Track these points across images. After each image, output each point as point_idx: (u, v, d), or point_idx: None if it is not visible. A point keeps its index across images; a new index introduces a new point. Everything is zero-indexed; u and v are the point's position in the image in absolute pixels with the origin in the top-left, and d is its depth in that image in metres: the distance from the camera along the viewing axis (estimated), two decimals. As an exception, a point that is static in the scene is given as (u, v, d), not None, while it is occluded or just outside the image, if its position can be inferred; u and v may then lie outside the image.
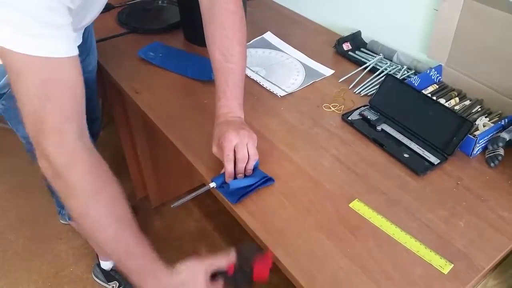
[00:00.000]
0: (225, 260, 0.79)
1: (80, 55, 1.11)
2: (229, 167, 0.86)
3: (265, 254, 0.78)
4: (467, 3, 1.01)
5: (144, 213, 1.85)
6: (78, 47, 1.07)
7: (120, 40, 1.41)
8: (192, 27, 1.37)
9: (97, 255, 1.56)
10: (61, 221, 1.81)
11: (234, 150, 0.86)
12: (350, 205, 0.85)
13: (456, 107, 1.05)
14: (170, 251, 1.72)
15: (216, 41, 0.93)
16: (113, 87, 1.31)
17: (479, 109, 1.05)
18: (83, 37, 1.10)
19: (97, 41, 1.28)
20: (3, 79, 0.93)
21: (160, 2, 1.60)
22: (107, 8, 1.56)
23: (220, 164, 0.90)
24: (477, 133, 0.95)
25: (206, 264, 0.79)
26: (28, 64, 0.61)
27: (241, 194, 0.86)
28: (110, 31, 1.44)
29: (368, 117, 1.04)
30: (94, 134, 1.43)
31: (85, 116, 0.71)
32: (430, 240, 0.78)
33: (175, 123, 1.07)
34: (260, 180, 0.88)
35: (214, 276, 0.80)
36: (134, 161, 1.72)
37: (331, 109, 1.10)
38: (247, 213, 0.84)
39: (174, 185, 1.83)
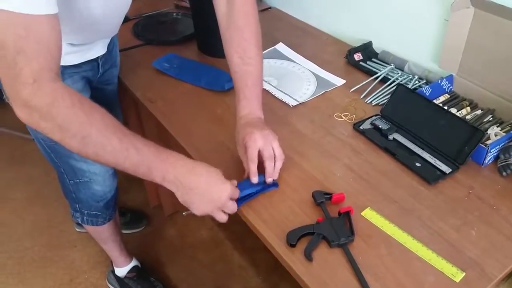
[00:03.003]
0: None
1: (103, 64, 1.15)
2: (253, 167, 0.87)
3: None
4: (477, 14, 1.02)
5: (158, 221, 1.87)
6: (103, 56, 1.12)
7: (135, 52, 1.45)
8: (205, 38, 1.40)
9: (111, 262, 1.59)
10: (76, 229, 1.84)
11: (259, 151, 0.88)
12: (362, 213, 0.86)
13: (468, 117, 1.06)
14: (184, 259, 1.74)
15: (234, 43, 0.95)
16: (128, 96, 1.34)
17: (491, 118, 1.05)
18: (108, 47, 1.13)
19: (115, 52, 1.31)
20: None
21: (174, 14, 1.64)
22: (123, 20, 1.60)
23: (231, 173, 0.91)
24: (488, 142, 0.95)
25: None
26: (4, 18, 0.63)
27: (244, 199, 0.88)
28: (126, 42, 1.48)
29: (380, 126, 1.05)
30: None
31: (59, 64, 0.72)
32: (441, 248, 0.78)
33: (188, 132, 1.09)
34: (265, 186, 0.90)
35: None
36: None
37: (342, 118, 1.12)
38: (260, 221, 0.86)
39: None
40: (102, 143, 0.73)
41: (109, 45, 1.14)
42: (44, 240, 1.84)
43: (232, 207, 0.85)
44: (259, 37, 0.97)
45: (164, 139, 1.12)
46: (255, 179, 0.88)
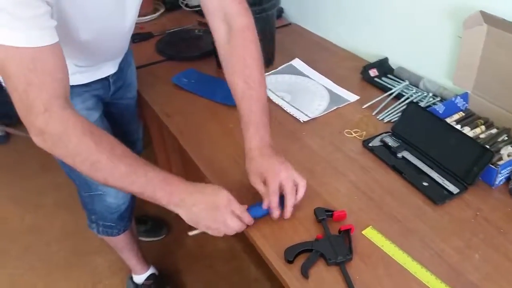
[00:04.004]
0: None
1: (115, 82, 1.19)
2: (275, 200, 0.86)
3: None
4: (490, 31, 1.00)
5: (178, 230, 1.91)
6: (114, 74, 1.16)
7: (157, 67, 1.50)
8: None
9: (130, 269, 1.63)
10: (99, 235, 1.90)
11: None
12: (363, 232, 0.86)
13: (482, 136, 1.03)
14: (201, 268, 1.76)
15: (236, 71, 0.94)
16: (150, 111, 1.39)
17: (506, 138, 1.02)
18: (120, 65, 1.18)
19: (136, 68, 1.36)
20: None
21: (197, 31, 1.68)
22: (147, 37, 1.67)
23: (242, 190, 0.93)
24: (500, 163, 0.92)
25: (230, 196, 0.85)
26: (12, 54, 0.68)
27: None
28: (148, 58, 1.53)
29: (389, 143, 1.04)
30: (136, 153, 1.52)
31: (69, 88, 0.77)
32: (441, 271, 0.77)
33: (202, 147, 1.12)
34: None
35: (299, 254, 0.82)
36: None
37: (352, 135, 1.12)
38: (260, 235, 0.87)
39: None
40: (111, 170, 0.77)
41: (120, 63, 1.18)
42: (70, 245, 1.91)
43: (241, 210, 0.85)
44: (261, 63, 0.96)
45: (184, 150, 1.15)
46: (277, 213, 0.87)
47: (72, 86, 0.80)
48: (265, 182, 0.87)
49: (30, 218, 2.09)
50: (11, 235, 2.00)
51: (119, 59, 1.16)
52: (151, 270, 1.62)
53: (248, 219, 0.86)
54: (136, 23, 1.72)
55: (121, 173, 0.78)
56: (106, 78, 1.15)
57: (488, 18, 0.99)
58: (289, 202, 0.87)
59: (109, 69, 1.14)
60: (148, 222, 1.88)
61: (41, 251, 1.91)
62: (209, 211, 0.84)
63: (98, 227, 1.33)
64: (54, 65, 0.73)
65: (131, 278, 1.64)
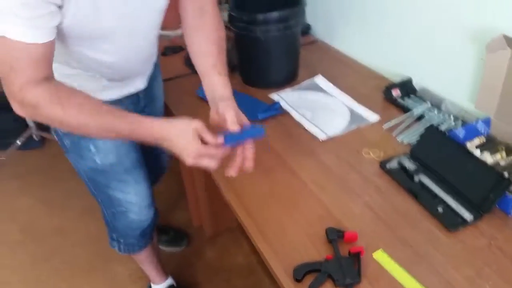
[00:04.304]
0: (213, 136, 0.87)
1: (144, 97, 1.23)
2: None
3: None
4: (515, 56, 0.98)
5: (199, 241, 1.94)
6: (144, 90, 1.20)
7: (184, 80, 1.55)
8: (246, 69, 1.47)
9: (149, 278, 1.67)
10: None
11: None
12: (374, 255, 0.86)
13: (502, 162, 1.01)
14: (219, 282, 1.78)
15: (209, 37, 1.03)
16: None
17: (528, 165, 0.99)
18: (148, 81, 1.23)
19: (164, 81, 1.41)
20: None
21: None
22: (177, 50, 1.73)
23: (259, 207, 0.95)
24: (519, 191, 0.90)
25: (198, 125, 0.87)
26: (7, 43, 0.77)
27: (232, 140, 0.89)
28: (177, 71, 1.59)
29: (406, 166, 1.04)
30: (161, 167, 1.56)
31: (49, 68, 0.85)
32: (450, 300, 0.76)
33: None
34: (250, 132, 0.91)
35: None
36: (192, 192, 1.83)
37: (370, 155, 1.11)
38: (271, 251, 0.88)
39: (227, 217, 1.90)
40: (85, 129, 0.87)
41: (149, 81, 1.22)
42: (94, 250, 1.97)
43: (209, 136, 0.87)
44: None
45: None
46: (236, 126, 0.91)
47: (104, 102, 0.86)
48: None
49: (58, 220, 2.16)
50: (40, 237, 2.08)
51: (148, 74, 1.21)
52: (169, 281, 1.65)
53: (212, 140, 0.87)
54: (168, 37, 1.78)
55: (95, 130, 0.87)
56: (136, 94, 1.19)
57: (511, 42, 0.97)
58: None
59: (138, 85, 1.17)
60: (170, 232, 1.92)
61: (66, 253, 1.97)
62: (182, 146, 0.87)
63: (119, 245, 1.37)
64: (41, 56, 0.81)
65: (150, 286, 1.68)
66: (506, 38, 0.99)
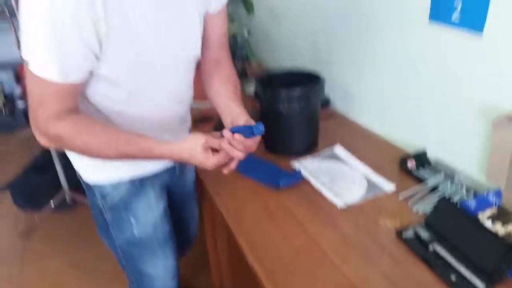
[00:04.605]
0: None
1: (179, 168, 1.34)
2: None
3: None
4: (519, 133, 1.06)
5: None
6: (180, 163, 1.32)
7: (211, 148, 1.66)
8: (270, 138, 1.58)
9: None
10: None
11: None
12: (390, 321, 0.89)
13: (514, 233, 1.05)
14: None
15: (224, 82, 1.23)
16: (202, 188, 1.53)
17: (539, 236, 1.03)
18: None
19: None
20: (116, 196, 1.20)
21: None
22: (206, 120, 1.87)
23: (282, 273, 1.01)
24: (530, 262, 0.94)
25: (204, 140, 1.01)
26: (40, 82, 0.88)
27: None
28: (205, 140, 1.70)
29: (421, 236, 1.09)
30: (188, 241, 1.64)
31: (74, 103, 0.96)
32: None
33: (245, 225, 1.23)
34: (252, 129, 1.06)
35: None
36: (215, 257, 1.88)
37: (387, 224, 1.17)
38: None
39: (248, 283, 1.93)
40: (105, 154, 0.99)
41: None
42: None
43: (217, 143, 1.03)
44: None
45: (229, 227, 1.25)
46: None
47: (145, 178, 0.98)
48: None
49: (86, 285, 2.22)
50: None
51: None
52: None
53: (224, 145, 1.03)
54: (198, 108, 1.93)
55: (113, 156, 1.00)
56: (173, 166, 1.30)
57: (515, 122, 1.06)
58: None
59: None
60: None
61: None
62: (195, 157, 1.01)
63: None
64: (70, 94, 0.93)
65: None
66: (510, 117, 1.08)
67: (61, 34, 0.83)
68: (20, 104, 4.11)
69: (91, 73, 0.95)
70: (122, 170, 1.16)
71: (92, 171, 1.18)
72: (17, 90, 4.29)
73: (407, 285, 0.98)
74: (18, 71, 4.30)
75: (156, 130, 1.13)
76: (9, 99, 4.17)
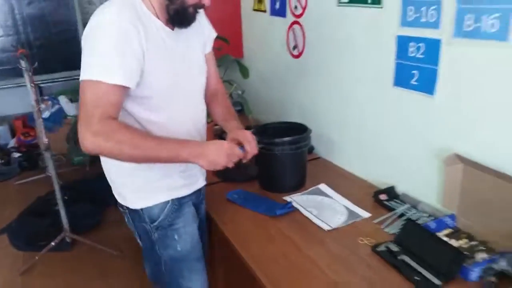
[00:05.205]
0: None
1: (203, 193, 1.58)
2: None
3: None
4: (466, 169, 1.38)
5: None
6: (203, 187, 1.56)
7: (216, 186, 1.92)
8: (265, 177, 1.86)
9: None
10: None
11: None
12: (369, 310, 1.14)
13: (464, 245, 1.34)
14: None
15: (220, 104, 1.60)
16: (210, 220, 1.74)
17: (483, 248, 1.32)
18: None
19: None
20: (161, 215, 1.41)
21: (243, 160, 2.13)
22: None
23: (281, 279, 1.25)
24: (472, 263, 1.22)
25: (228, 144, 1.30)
26: (90, 85, 1.10)
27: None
28: (209, 180, 1.96)
29: (392, 249, 1.37)
30: None
31: (118, 109, 1.15)
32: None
33: (249, 246, 1.47)
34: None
35: None
36: (213, 284, 2.05)
37: (364, 242, 1.44)
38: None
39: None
40: (144, 146, 1.14)
41: None
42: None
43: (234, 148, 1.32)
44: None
45: (236, 251, 1.49)
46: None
47: (183, 197, 1.25)
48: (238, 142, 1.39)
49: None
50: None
51: (205, 173, 1.55)
52: None
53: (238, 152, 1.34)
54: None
55: (151, 146, 1.15)
56: (200, 189, 1.53)
57: (463, 159, 1.37)
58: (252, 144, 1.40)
59: (202, 181, 1.53)
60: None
61: None
62: (216, 154, 1.24)
63: None
64: (117, 98, 1.13)
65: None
66: (457, 156, 1.40)
67: (123, 49, 1.13)
68: (15, 155, 4.31)
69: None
70: (164, 192, 1.38)
71: (142, 196, 1.38)
72: (12, 142, 4.51)
73: (382, 285, 1.24)
74: (13, 125, 4.55)
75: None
76: (5, 151, 4.38)
